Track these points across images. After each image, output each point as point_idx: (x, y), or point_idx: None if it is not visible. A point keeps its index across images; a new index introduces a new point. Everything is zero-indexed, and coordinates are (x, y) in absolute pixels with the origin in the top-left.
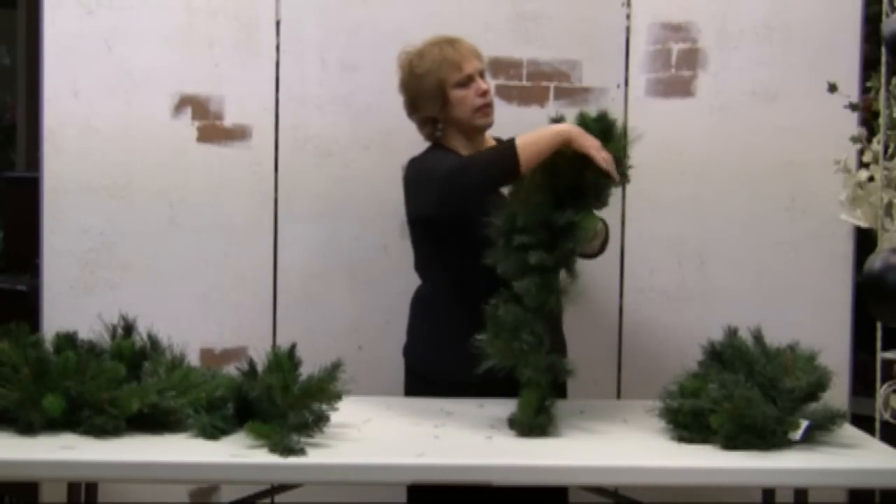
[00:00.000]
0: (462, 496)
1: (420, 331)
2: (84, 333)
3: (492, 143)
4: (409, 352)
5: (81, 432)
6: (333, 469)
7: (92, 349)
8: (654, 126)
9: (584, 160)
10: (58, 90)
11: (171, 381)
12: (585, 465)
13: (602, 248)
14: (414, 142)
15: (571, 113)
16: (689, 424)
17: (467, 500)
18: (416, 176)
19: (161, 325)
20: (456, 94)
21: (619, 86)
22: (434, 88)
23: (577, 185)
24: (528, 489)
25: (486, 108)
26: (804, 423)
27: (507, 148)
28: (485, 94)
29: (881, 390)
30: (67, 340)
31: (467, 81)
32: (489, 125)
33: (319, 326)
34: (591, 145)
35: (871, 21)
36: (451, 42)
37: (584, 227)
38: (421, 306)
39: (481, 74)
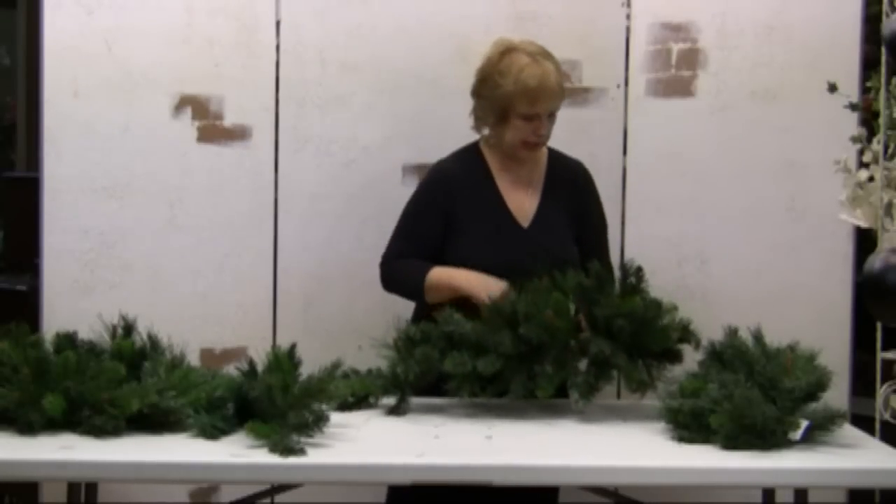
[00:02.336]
0: (446, 496)
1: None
2: (84, 333)
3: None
4: None
5: (81, 432)
6: (333, 469)
7: (92, 349)
8: (654, 126)
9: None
10: (58, 90)
11: (171, 381)
12: (585, 465)
13: None
14: (414, 142)
15: (570, 113)
16: (689, 424)
17: (453, 499)
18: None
19: (161, 325)
20: (516, 122)
21: (619, 86)
22: (500, 106)
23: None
24: (517, 489)
25: (534, 147)
26: (804, 423)
27: (418, 286)
28: (542, 136)
29: (881, 390)
30: (67, 340)
31: (533, 117)
32: (529, 159)
33: (319, 326)
34: (479, 292)
35: (871, 21)
36: (541, 70)
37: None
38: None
39: (551, 114)
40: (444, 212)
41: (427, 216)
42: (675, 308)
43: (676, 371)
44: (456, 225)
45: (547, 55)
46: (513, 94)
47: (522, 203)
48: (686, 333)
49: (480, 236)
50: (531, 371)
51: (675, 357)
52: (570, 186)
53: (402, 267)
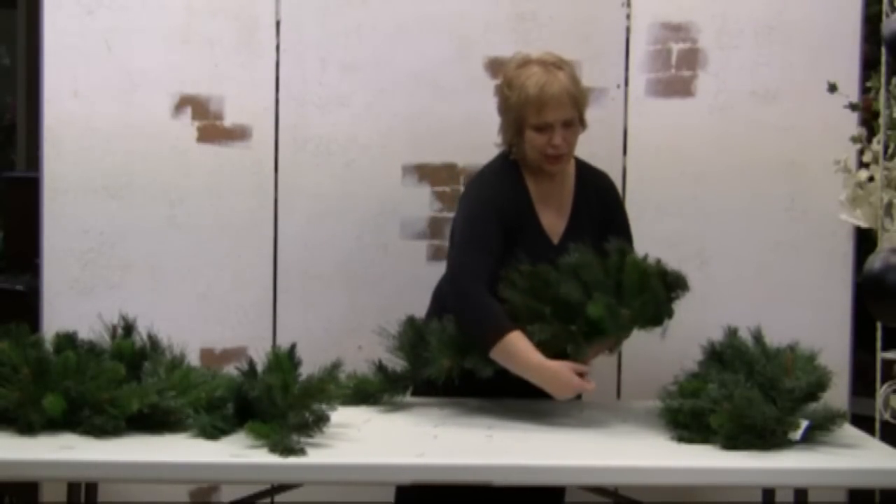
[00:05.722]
0: (454, 496)
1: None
2: (84, 333)
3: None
4: None
5: (81, 432)
6: (333, 469)
7: (92, 349)
8: (654, 126)
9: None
10: (58, 90)
11: (171, 381)
12: (585, 465)
13: None
14: (414, 142)
15: None
16: (689, 424)
17: (459, 499)
18: (461, 204)
19: (161, 325)
20: (530, 134)
21: (619, 86)
22: (513, 120)
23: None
24: (524, 489)
25: (554, 159)
26: (804, 423)
27: (487, 340)
28: (558, 146)
29: (881, 390)
30: (67, 340)
31: (545, 127)
32: (556, 172)
33: (319, 326)
34: (554, 393)
35: (871, 21)
36: (547, 75)
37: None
38: (443, 295)
39: (568, 123)
40: (504, 230)
41: (495, 231)
42: (658, 261)
43: (676, 371)
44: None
45: (560, 65)
46: (519, 105)
47: (554, 219)
48: (671, 277)
49: (517, 256)
50: None
51: (660, 304)
52: (599, 200)
53: (485, 306)
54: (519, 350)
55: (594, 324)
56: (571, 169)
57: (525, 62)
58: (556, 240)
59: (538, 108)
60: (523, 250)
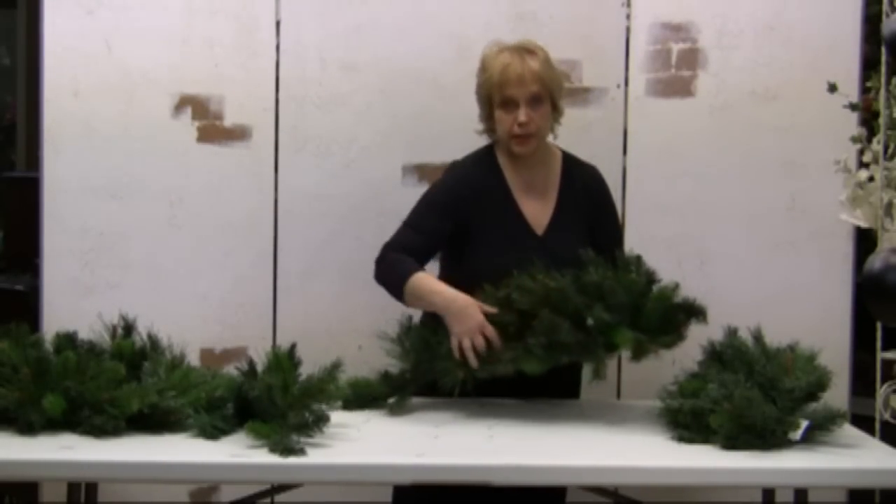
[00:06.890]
0: (453, 497)
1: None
2: (84, 333)
3: (555, 154)
4: None
5: (81, 432)
6: (333, 469)
7: (92, 349)
8: (654, 126)
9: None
10: (58, 90)
11: (171, 381)
12: (585, 465)
13: None
14: (414, 142)
15: (570, 113)
16: (689, 424)
17: (461, 500)
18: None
19: (161, 325)
20: (498, 114)
21: (619, 86)
22: (484, 102)
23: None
24: (525, 489)
25: (522, 139)
26: (804, 423)
27: (399, 286)
28: (524, 124)
29: (881, 390)
30: (67, 340)
31: (509, 105)
32: (525, 154)
33: (319, 326)
34: (455, 332)
35: (871, 21)
36: (514, 57)
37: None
38: None
39: (534, 100)
40: (456, 217)
41: (438, 215)
42: (676, 286)
43: (676, 371)
44: (472, 232)
45: (530, 49)
46: (486, 86)
47: (537, 210)
48: (692, 309)
49: (495, 244)
50: (524, 344)
51: (677, 331)
52: (586, 193)
53: (393, 260)
54: (423, 286)
55: (611, 342)
56: (558, 161)
57: (499, 49)
58: (540, 231)
59: (500, 85)
60: (503, 237)
